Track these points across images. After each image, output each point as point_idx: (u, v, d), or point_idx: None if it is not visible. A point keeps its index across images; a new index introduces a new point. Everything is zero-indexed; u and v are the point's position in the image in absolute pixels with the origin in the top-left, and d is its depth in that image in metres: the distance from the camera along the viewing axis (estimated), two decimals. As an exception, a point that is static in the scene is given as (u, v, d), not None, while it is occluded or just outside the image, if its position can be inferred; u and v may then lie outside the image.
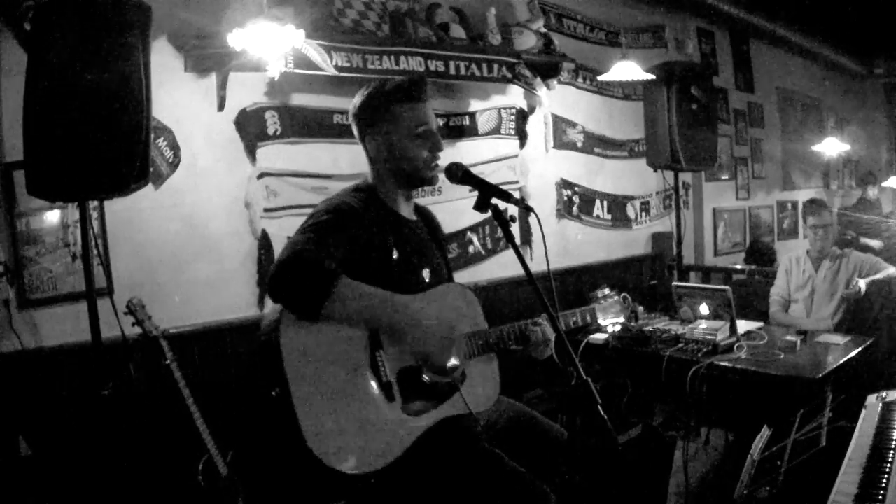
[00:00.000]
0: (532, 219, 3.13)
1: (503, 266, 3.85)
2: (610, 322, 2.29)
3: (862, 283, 3.52)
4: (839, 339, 3.02)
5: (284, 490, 2.49)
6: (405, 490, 1.72)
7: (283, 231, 2.93)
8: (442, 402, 1.82)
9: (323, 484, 1.64)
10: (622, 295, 3.12)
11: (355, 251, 1.77)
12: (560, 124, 4.32)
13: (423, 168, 1.90)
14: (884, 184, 6.66)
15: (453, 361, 1.78)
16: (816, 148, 6.13)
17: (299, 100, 3.08)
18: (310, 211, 1.83)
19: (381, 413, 1.72)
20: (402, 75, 2.98)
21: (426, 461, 1.74)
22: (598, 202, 4.63)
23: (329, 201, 1.86)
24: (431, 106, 1.95)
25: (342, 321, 1.69)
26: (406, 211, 1.99)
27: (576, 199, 4.45)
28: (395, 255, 1.85)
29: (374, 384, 1.73)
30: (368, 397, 1.71)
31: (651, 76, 3.84)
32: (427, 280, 1.93)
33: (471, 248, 3.78)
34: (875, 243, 5.79)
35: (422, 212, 2.09)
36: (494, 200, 1.74)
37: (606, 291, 2.32)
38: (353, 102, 1.95)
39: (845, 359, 2.73)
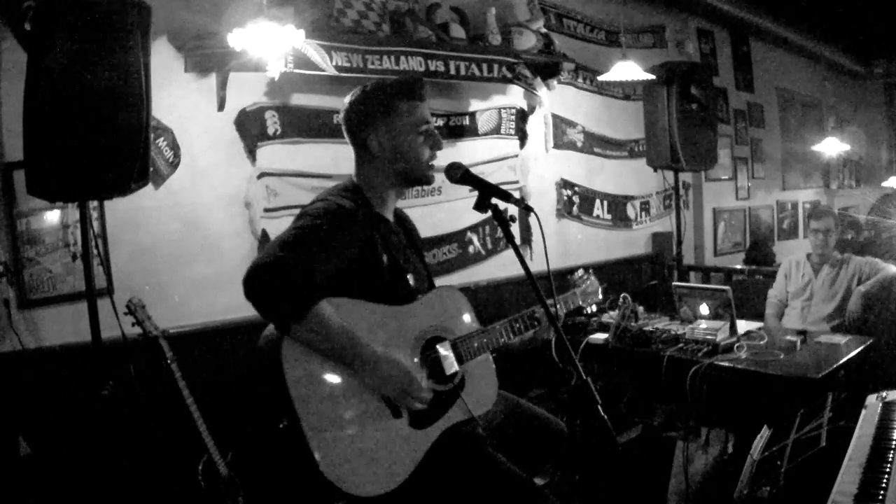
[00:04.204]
0: (532, 219, 3.13)
1: (503, 266, 3.85)
2: (591, 304, 2.29)
3: (856, 303, 3.53)
4: (839, 339, 3.02)
5: (284, 490, 2.48)
6: (408, 497, 1.71)
7: (282, 231, 2.92)
8: (447, 409, 1.81)
9: (323, 485, 1.64)
10: (622, 295, 3.12)
11: (348, 254, 1.74)
12: (560, 124, 4.32)
13: (424, 166, 1.90)
14: (884, 184, 6.65)
15: (420, 404, 1.72)
16: (816, 148, 6.12)
17: (299, 100, 3.09)
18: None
19: (391, 432, 1.71)
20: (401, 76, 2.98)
21: (433, 471, 1.73)
22: (598, 202, 4.64)
23: (320, 204, 1.78)
24: (429, 106, 1.95)
25: (308, 345, 1.64)
26: (390, 214, 1.97)
27: (576, 198, 4.45)
28: (384, 261, 1.83)
29: (381, 402, 1.71)
30: (378, 417, 1.70)
31: (651, 76, 3.84)
32: (412, 284, 1.92)
33: (471, 248, 3.78)
34: None
35: (399, 216, 2.06)
36: (494, 200, 1.74)
37: (580, 273, 2.32)
38: (345, 101, 1.92)
39: (845, 359, 2.72)
